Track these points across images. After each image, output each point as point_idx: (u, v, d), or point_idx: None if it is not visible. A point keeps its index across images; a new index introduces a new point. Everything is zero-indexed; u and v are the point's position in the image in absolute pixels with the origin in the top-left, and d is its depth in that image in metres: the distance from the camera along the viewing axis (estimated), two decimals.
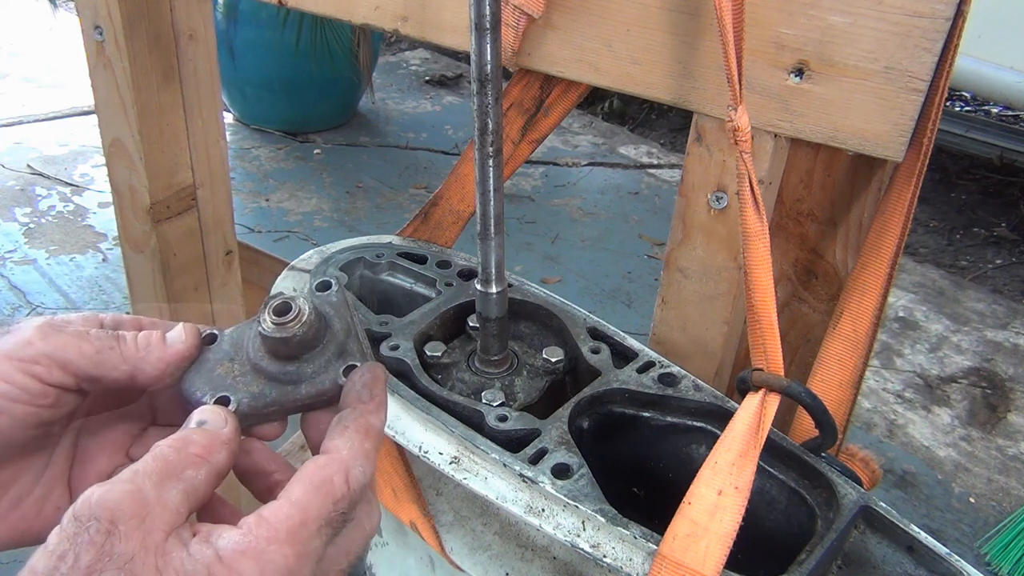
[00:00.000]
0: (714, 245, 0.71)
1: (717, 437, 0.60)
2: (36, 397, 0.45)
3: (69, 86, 4.09)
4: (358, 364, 0.49)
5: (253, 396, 0.49)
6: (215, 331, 0.51)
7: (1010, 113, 4.03)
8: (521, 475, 0.61)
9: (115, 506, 0.38)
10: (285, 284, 0.82)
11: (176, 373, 0.49)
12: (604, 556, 0.57)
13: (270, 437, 0.51)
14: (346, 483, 0.43)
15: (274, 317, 0.47)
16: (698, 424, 0.69)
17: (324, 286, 0.52)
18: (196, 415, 0.46)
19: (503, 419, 0.65)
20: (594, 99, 4.17)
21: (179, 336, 0.49)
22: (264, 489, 0.51)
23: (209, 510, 0.49)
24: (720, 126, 0.66)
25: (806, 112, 0.62)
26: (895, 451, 2.20)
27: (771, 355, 0.61)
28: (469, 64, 0.61)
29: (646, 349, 0.74)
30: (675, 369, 0.71)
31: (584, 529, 0.58)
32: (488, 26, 0.58)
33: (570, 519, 0.59)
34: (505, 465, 0.61)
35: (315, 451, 0.50)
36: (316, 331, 0.49)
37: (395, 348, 0.71)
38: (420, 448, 0.65)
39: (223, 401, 0.48)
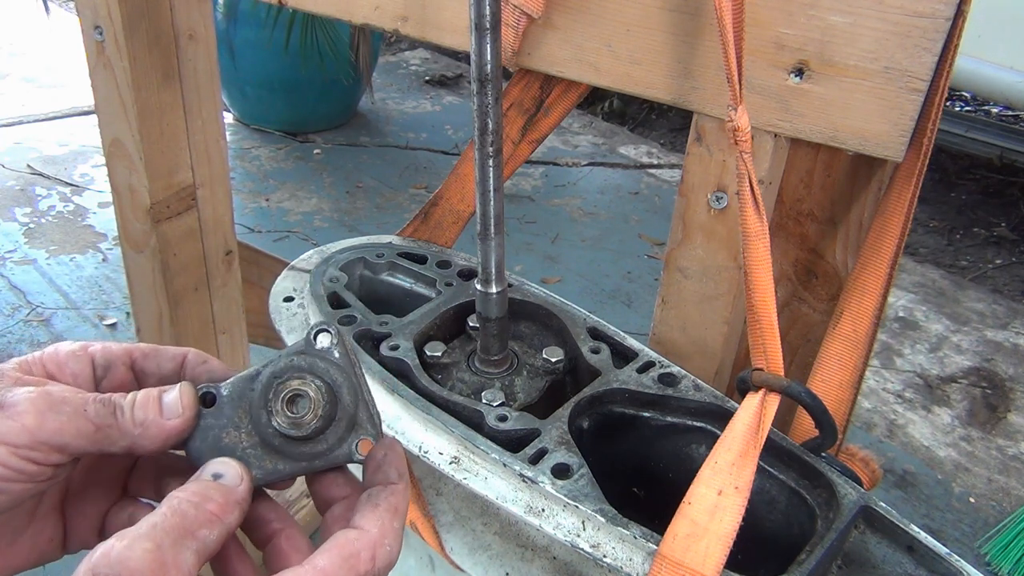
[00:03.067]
0: (714, 245, 0.71)
1: (717, 437, 0.60)
2: (33, 476, 0.45)
3: (69, 86, 4.09)
4: (372, 438, 0.49)
5: (266, 471, 0.49)
6: (212, 390, 0.48)
7: (1010, 113, 4.03)
8: (521, 475, 0.61)
9: (135, 566, 0.38)
10: (285, 284, 0.82)
11: (176, 443, 0.49)
12: (604, 556, 0.57)
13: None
14: (372, 560, 0.43)
15: (288, 414, 0.47)
16: (698, 424, 0.69)
17: (323, 340, 0.48)
18: (211, 467, 0.46)
19: (503, 419, 0.65)
20: (594, 99, 4.17)
21: (176, 408, 0.47)
22: (262, 538, 0.50)
23: (224, 558, 0.48)
24: (720, 126, 0.66)
25: (806, 112, 0.62)
26: (895, 451, 2.20)
27: (771, 355, 0.61)
28: (469, 64, 0.61)
29: (646, 349, 0.74)
30: (675, 369, 0.71)
31: (584, 529, 0.58)
32: (488, 26, 0.58)
33: (570, 519, 0.59)
34: (505, 465, 0.61)
35: (320, 505, 0.51)
36: (328, 414, 0.48)
37: (395, 348, 0.71)
38: (420, 448, 0.65)
39: None
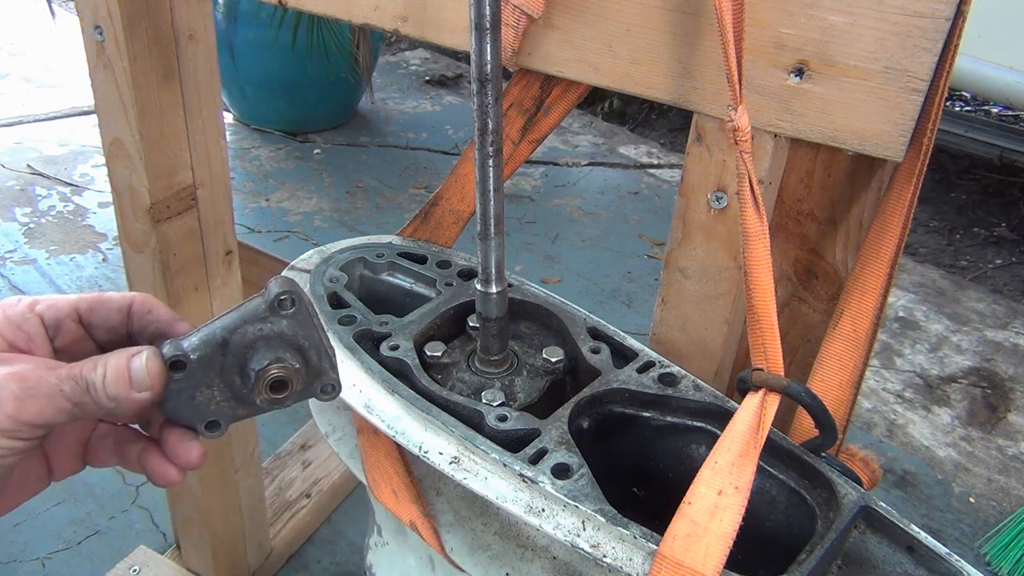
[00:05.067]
0: (714, 245, 0.71)
1: (717, 437, 0.60)
2: (20, 451, 0.47)
3: (69, 86, 4.09)
4: (334, 383, 0.54)
5: (236, 416, 0.53)
6: (180, 358, 0.50)
7: (1010, 113, 4.03)
8: (521, 475, 0.61)
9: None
10: None
11: (151, 408, 0.51)
12: (604, 556, 0.57)
13: None
14: None
15: (271, 396, 0.51)
16: (698, 424, 0.69)
17: (285, 304, 0.51)
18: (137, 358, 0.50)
19: (503, 419, 0.65)
20: (594, 99, 4.17)
21: (145, 381, 0.49)
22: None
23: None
24: (720, 126, 0.66)
25: (806, 112, 0.62)
26: (895, 451, 2.19)
27: (771, 355, 0.61)
28: (469, 64, 0.61)
29: (646, 349, 0.74)
30: (675, 369, 0.71)
31: (584, 529, 0.58)
32: (488, 26, 0.58)
33: (570, 519, 0.59)
34: (505, 465, 0.61)
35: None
36: (304, 382, 0.52)
37: (395, 348, 0.71)
38: (420, 448, 0.65)
39: (213, 426, 0.52)
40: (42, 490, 0.54)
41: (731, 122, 0.59)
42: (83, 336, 0.54)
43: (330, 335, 0.70)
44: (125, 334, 0.55)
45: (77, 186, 3.25)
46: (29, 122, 3.76)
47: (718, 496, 0.56)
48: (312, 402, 0.68)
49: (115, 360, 0.49)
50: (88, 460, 0.56)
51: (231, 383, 0.51)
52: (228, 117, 3.83)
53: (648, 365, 0.71)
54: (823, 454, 0.63)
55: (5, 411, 0.46)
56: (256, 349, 0.50)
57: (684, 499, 0.56)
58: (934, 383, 2.45)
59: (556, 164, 3.68)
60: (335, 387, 0.54)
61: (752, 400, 0.61)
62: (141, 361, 0.49)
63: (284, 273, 0.83)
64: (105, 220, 3.00)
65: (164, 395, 0.50)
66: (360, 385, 0.69)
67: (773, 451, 0.64)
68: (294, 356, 0.51)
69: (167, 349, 0.50)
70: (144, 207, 1.13)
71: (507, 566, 0.66)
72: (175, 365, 0.50)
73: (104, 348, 0.54)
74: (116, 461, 0.56)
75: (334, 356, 0.53)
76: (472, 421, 0.66)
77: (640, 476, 0.71)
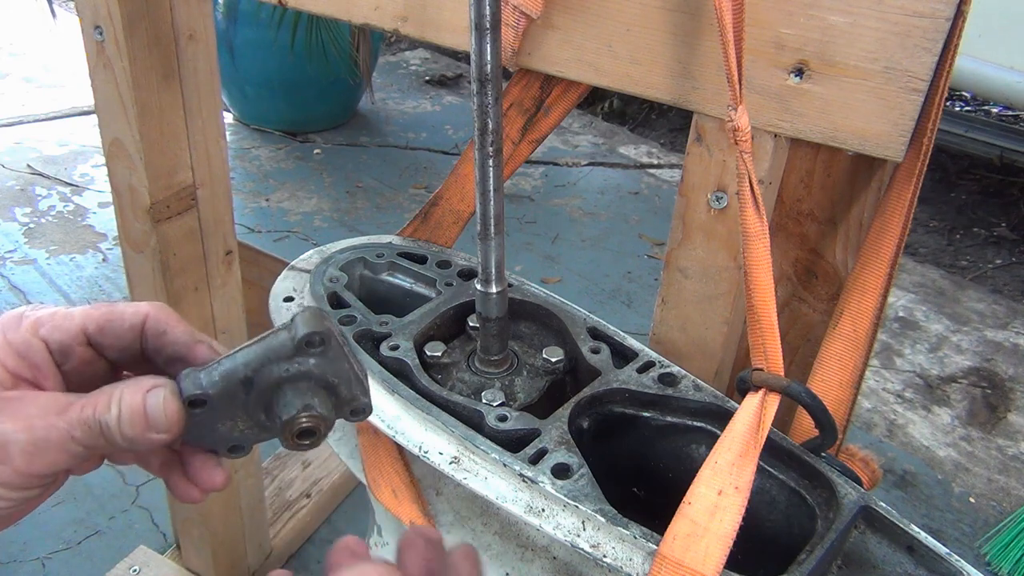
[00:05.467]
0: (714, 245, 0.71)
1: (717, 437, 0.60)
2: (31, 500, 0.46)
3: (69, 86, 4.09)
4: (364, 407, 0.50)
5: (264, 439, 0.50)
6: (200, 396, 0.47)
7: (1010, 113, 4.03)
8: (521, 475, 0.61)
9: None
10: (285, 284, 0.82)
11: (168, 447, 0.49)
12: (604, 556, 0.57)
13: None
14: None
15: (300, 442, 0.48)
16: (698, 424, 0.69)
17: (314, 343, 0.47)
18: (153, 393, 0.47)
19: (503, 419, 0.65)
20: (594, 99, 4.17)
21: (163, 422, 0.46)
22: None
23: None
24: (720, 126, 0.66)
25: (806, 112, 0.62)
26: (895, 451, 2.19)
27: (771, 355, 0.61)
28: (469, 64, 0.61)
29: (646, 349, 0.74)
30: (675, 369, 0.71)
31: (584, 529, 0.58)
32: (488, 26, 0.58)
33: (570, 519, 0.59)
34: (505, 465, 0.61)
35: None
36: (331, 418, 0.49)
37: (395, 348, 0.71)
38: (420, 448, 0.65)
39: (237, 450, 0.50)
40: (60, 487, 0.51)
41: (731, 122, 0.59)
42: (93, 357, 0.50)
43: None
44: (138, 351, 0.51)
45: (77, 186, 3.25)
46: (29, 122, 3.76)
47: (718, 496, 0.56)
48: None
49: (130, 397, 0.46)
50: (106, 458, 0.52)
51: (255, 417, 0.48)
52: (228, 117, 3.83)
53: (648, 365, 0.71)
54: (823, 454, 0.63)
55: (15, 466, 0.43)
56: (283, 392, 0.47)
57: (684, 499, 0.56)
58: (934, 383, 2.45)
59: (556, 164, 3.68)
60: (365, 410, 0.50)
61: (752, 400, 0.61)
62: (158, 400, 0.46)
63: (284, 273, 0.83)
64: (105, 220, 3.00)
65: (183, 431, 0.48)
66: None
67: (773, 451, 0.64)
68: (323, 400, 0.48)
69: (186, 385, 0.47)
70: (144, 207, 1.13)
71: (507, 566, 0.66)
72: (194, 403, 0.47)
73: (117, 365, 0.51)
74: (135, 462, 0.53)
75: (367, 380, 0.50)
76: (472, 421, 0.66)
77: (640, 476, 0.71)
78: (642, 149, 3.89)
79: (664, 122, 4.20)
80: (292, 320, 0.47)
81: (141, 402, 0.46)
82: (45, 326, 0.49)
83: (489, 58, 0.60)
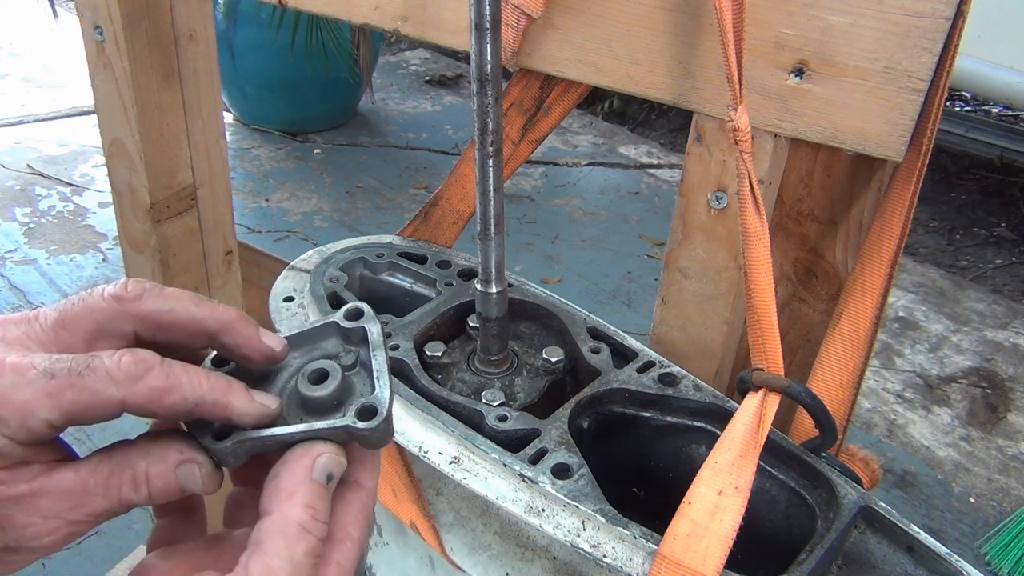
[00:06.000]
0: (714, 245, 0.71)
1: (717, 437, 0.60)
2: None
3: (69, 86, 4.09)
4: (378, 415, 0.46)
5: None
6: (234, 463, 0.45)
7: (1010, 113, 4.03)
8: (521, 475, 0.61)
9: None
10: (285, 284, 0.82)
11: None
12: (604, 556, 0.57)
13: None
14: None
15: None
16: (698, 424, 0.69)
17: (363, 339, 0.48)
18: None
19: (503, 419, 0.65)
20: (594, 99, 4.17)
21: (199, 489, 0.44)
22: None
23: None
24: (720, 126, 0.66)
25: (806, 112, 0.62)
26: (895, 451, 2.20)
27: (771, 355, 0.61)
28: (469, 64, 0.61)
29: (646, 349, 0.74)
30: (675, 369, 0.71)
31: (584, 529, 0.58)
32: (488, 26, 0.58)
33: (570, 519, 0.59)
34: (505, 465, 0.61)
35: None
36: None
37: (395, 348, 0.71)
38: (420, 448, 0.65)
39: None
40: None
41: (731, 122, 0.59)
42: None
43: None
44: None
45: (77, 186, 3.25)
46: (29, 122, 3.76)
47: (718, 496, 0.56)
48: None
49: (159, 480, 0.43)
50: None
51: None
52: (228, 117, 3.83)
53: (648, 365, 0.71)
54: (823, 454, 0.63)
55: (30, 548, 0.41)
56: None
57: (684, 499, 0.56)
58: (934, 383, 2.45)
59: (556, 164, 3.68)
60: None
61: (752, 400, 0.61)
62: (194, 477, 0.43)
63: (284, 273, 0.83)
64: (105, 220, 3.00)
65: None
66: None
67: (773, 451, 0.64)
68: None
69: (227, 449, 0.43)
70: (144, 207, 1.13)
71: (507, 566, 0.66)
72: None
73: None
74: None
75: (390, 380, 0.47)
76: (472, 421, 0.66)
77: (640, 476, 0.71)
78: (642, 149, 3.89)
79: (664, 122, 4.20)
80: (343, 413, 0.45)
81: (174, 482, 0.43)
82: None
83: (489, 58, 0.60)
